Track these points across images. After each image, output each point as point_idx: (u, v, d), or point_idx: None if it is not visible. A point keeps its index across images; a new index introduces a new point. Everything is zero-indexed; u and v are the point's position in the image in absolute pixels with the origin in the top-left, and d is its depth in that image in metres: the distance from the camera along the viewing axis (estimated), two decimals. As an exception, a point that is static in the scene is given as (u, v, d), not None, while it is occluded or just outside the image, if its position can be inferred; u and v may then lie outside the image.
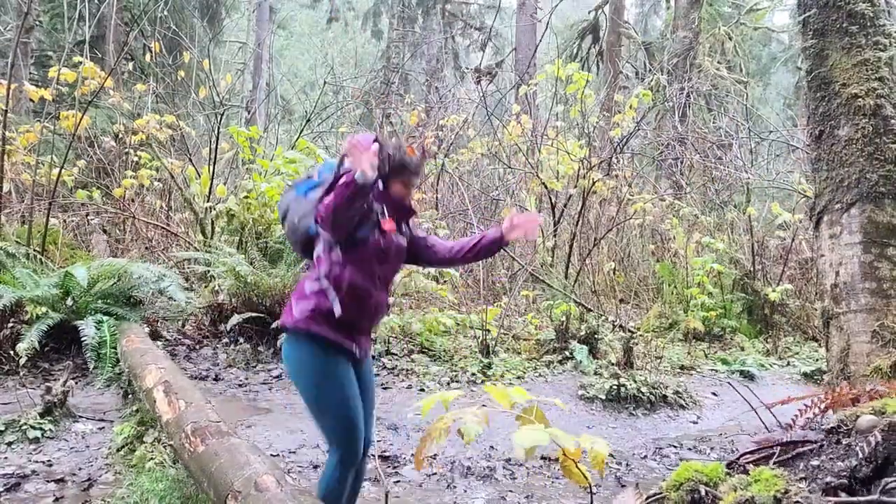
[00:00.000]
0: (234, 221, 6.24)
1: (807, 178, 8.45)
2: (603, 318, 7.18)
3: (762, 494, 0.78)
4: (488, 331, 6.00)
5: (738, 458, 0.95)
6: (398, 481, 3.59)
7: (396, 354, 5.86)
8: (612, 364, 5.80)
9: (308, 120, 8.75)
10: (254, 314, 5.59)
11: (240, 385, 5.05)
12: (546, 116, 9.77)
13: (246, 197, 6.14)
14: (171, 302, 5.85)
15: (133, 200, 8.16)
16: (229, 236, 6.46)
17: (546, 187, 8.38)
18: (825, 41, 4.16)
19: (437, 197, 9.06)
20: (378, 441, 4.12)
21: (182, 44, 11.57)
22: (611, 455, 4.24)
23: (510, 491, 3.55)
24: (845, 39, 4.07)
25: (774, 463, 0.87)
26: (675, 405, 5.29)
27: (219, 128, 7.62)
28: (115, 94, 8.48)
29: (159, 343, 5.48)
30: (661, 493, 0.89)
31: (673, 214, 9.33)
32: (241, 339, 5.73)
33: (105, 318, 5.11)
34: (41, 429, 3.75)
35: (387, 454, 3.93)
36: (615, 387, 5.20)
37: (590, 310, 7.31)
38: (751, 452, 0.93)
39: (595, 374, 5.69)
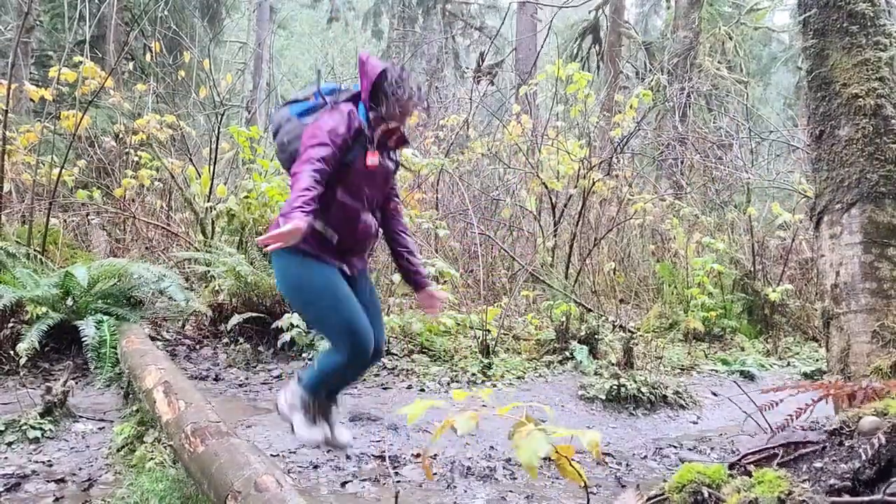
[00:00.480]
0: (235, 221, 6.24)
1: (807, 178, 8.45)
2: (603, 318, 7.18)
3: (766, 496, 0.77)
4: (488, 331, 6.00)
5: (739, 459, 0.95)
6: (398, 481, 3.59)
7: (396, 354, 5.86)
8: (612, 364, 5.80)
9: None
10: (254, 314, 5.59)
11: (240, 385, 5.05)
12: (546, 116, 9.77)
13: (246, 197, 6.14)
14: (171, 302, 5.85)
15: (133, 200, 8.16)
16: (229, 236, 6.46)
17: (546, 187, 8.38)
18: (825, 41, 4.15)
19: (437, 197, 9.06)
20: (378, 441, 4.12)
21: (182, 44, 11.56)
22: (611, 455, 4.24)
23: (510, 491, 3.55)
24: (846, 39, 4.07)
25: (777, 464, 0.87)
26: (675, 405, 5.28)
27: (219, 128, 7.62)
28: (116, 94, 8.47)
29: (159, 343, 5.48)
30: (662, 494, 0.89)
31: (673, 214, 9.33)
32: (241, 339, 5.73)
33: (105, 318, 5.11)
34: (41, 429, 3.74)
35: (387, 454, 3.93)
36: (615, 387, 5.20)
37: (590, 310, 7.31)
38: (753, 453, 0.93)
39: (595, 374, 5.69)
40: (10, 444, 3.60)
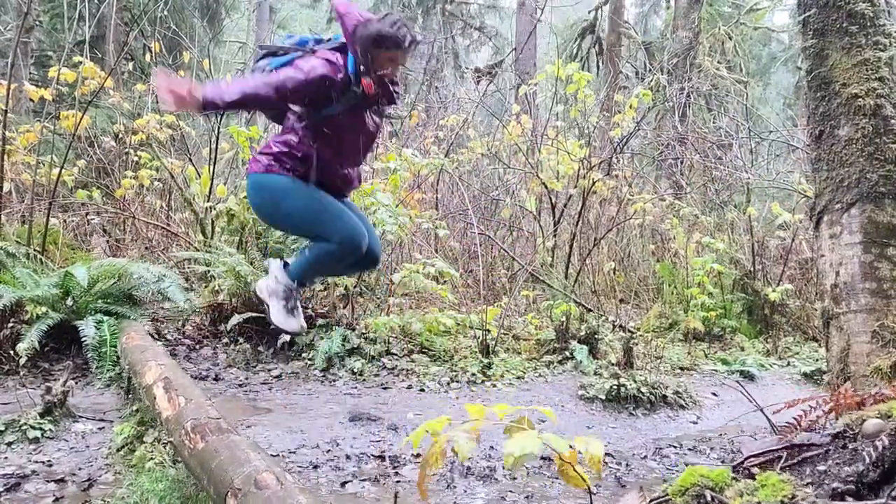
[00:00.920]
0: (234, 221, 6.24)
1: (807, 178, 8.45)
2: (603, 318, 7.18)
3: (769, 499, 0.77)
4: (488, 331, 6.00)
5: (742, 462, 0.95)
6: (398, 481, 3.59)
7: (396, 354, 5.86)
8: (612, 364, 5.80)
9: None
10: (254, 314, 5.59)
11: (240, 385, 5.05)
12: (546, 116, 9.77)
13: (246, 197, 6.14)
14: (171, 302, 5.85)
15: (133, 200, 8.15)
16: (229, 236, 6.45)
17: (546, 187, 8.37)
18: (825, 41, 4.15)
19: (437, 197, 9.06)
20: (378, 441, 4.12)
21: (182, 44, 11.56)
22: (611, 455, 4.24)
23: (510, 491, 3.55)
24: (845, 39, 4.07)
25: (781, 467, 0.86)
26: (675, 405, 5.29)
27: (219, 128, 7.62)
28: (115, 94, 8.47)
29: (159, 343, 5.47)
30: (665, 496, 0.89)
31: (673, 214, 9.33)
32: (241, 339, 5.73)
33: (105, 317, 5.11)
34: (41, 429, 3.74)
35: (387, 454, 3.93)
36: (615, 387, 5.20)
37: (590, 310, 7.31)
38: (756, 455, 0.93)
39: (595, 374, 5.69)
40: (9, 444, 3.60)
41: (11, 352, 4.67)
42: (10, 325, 4.80)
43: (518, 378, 5.65)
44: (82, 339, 4.80)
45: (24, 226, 6.51)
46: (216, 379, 5.14)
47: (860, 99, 3.95)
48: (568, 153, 8.27)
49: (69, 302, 5.24)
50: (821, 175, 4.13)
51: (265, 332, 5.70)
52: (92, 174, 8.63)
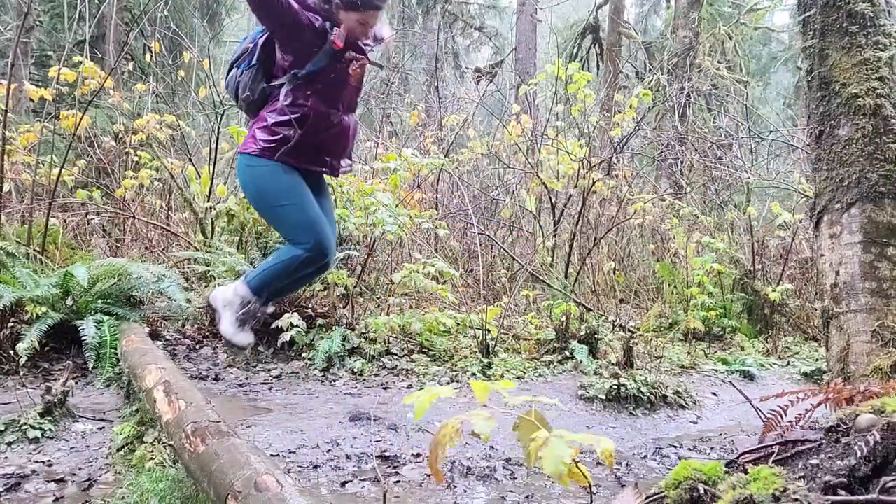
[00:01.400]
0: (234, 221, 6.24)
1: (807, 177, 8.45)
2: (603, 317, 7.18)
3: (761, 493, 0.78)
4: (488, 331, 6.00)
5: (737, 458, 0.95)
6: (398, 481, 3.59)
7: (396, 354, 5.86)
8: (612, 364, 5.80)
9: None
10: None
11: (240, 385, 5.05)
12: (546, 116, 9.77)
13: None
14: (171, 302, 5.85)
15: (133, 200, 8.16)
16: (229, 236, 6.46)
17: (546, 187, 8.38)
18: (825, 41, 4.15)
19: (437, 197, 9.06)
20: (378, 441, 4.12)
21: (182, 44, 11.56)
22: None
23: (510, 491, 3.55)
24: (845, 39, 4.07)
25: (773, 462, 0.87)
26: (675, 405, 5.29)
27: (219, 127, 7.63)
28: (116, 94, 8.48)
29: (159, 343, 5.48)
30: (660, 492, 0.89)
31: (673, 214, 9.33)
32: (241, 339, 5.72)
33: (105, 317, 5.11)
34: (41, 429, 3.75)
35: (387, 454, 3.93)
36: (615, 387, 5.20)
37: (590, 310, 7.31)
38: (750, 451, 0.93)
39: (595, 373, 5.69)
40: (9, 444, 3.60)
41: (11, 352, 4.67)
42: (10, 325, 4.81)
43: (518, 378, 5.65)
44: (82, 339, 4.80)
45: (24, 226, 6.51)
46: (216, 379, 5.14)
47: (860, 99, 3.94)
48: (568, 153, 8.28)
49: (69, 302, 5.25)
50: (821, 175, 4.13)
51: (265, 331, 5.70)
52: (92, 174, 8.64)
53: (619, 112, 8.81)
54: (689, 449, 4.48)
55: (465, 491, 3.53)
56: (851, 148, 3.96)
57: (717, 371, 6.46)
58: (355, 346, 5.67)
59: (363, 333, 5.84)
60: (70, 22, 10.10)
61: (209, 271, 6.01)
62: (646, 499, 0.92)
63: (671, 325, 7.81)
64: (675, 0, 14.04)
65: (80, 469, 3.43)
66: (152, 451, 3.36)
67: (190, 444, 2.82)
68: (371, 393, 5.08)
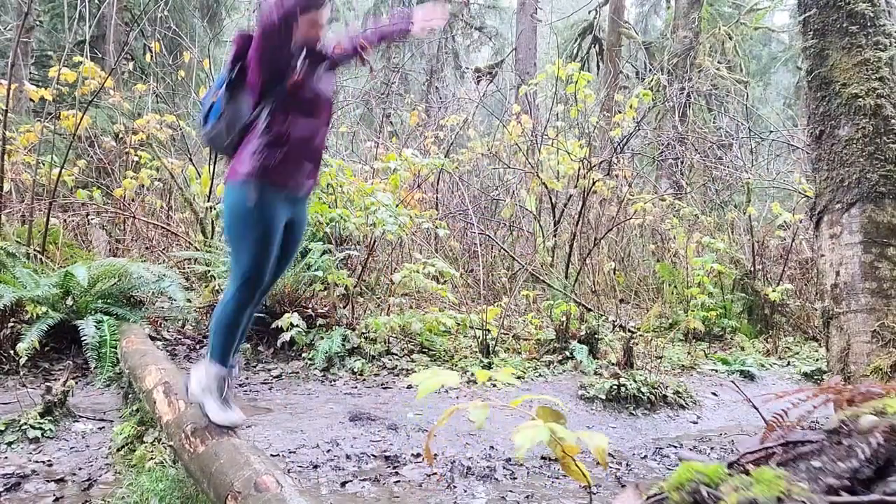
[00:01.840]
0: (234, 221, 6.23)
1: (807, 178, 8.45)
2: (603, 318, 7.18)
3: (764, 495, 0.78)
4: (488, 331, 6.00)
5: (738, 459, 0.95)
6: (398, 481, 3.59)
7: (396, 354, 5.86)
8: (613, 364, 5.80)
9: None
10: (255, 315, 5.59)
11: (240, 385, 5.05)
12: (546, 116, 9.77)
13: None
14: (171, 302, 5.85)
15: (133, 200, 8.16)
16: (229, 236, 6.45)
17: (546, 187, 8.38)
18: (825, 41, 4.15)
19: (437, 197, 9.07)
20: (378, 441, 4.12)
21: (182, 44, 11.57)
22: (611, 455, 4.24)
23: (510, 491, 3.55)
24: (845, 39, 4.07)
25: (776, 463, 0.87)
26: (675, 405, 5.29)
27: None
28: (116, 94, 8.47)
29: (159, 343, 5.48)
30: (662, 493, 0.89)
31: (673, 214, 9.34)
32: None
33: (105, 317, 5.11)
34: (41, 429, 3.75)
35: (387, 454, 3.93)
36: (615, 387, 5.20)
37: (590, 310, 7.31)
38: (751, 452, 0.93)
39: (595, 374, 5.69)
40: (10, 443, 3.60)
41: (11, 352, 4.67)
42: (10, 325, 4.81)
43: (518, 378, 5.65)
44: (82, 339, 4.80)
45: (24, 226, 6.51)
46: (216, 379, 5.13)
47: (860, 99, 3.94)
48: (568, 153, 8.28)
49: (69, 302, 5.25)
50: (821, 175, 4.13)
51: (265, 331, 5.70)
52: (92, 174, 8.64)
53: (619, 112, 8.81)
54: (690, 449, 4.48)
55: (465, 491, 3.52)
56: (852, 148, 3.96)
57: (717, 371, 6.46)
58: (355, 346, 5.67)
59: (363, 333, 5.84)
60: (70, 22, 10.10)
61: (209, 271, 6.01)
62: (647, 499, 0.92)
63: (671, 326, 7.81)
64: (675, 0, 14.05)
65: (80, 469, 3.43)
66: (152, 451, 3.36)
67: (190, 444, 2.82)
68: (371, 393, 5.08)
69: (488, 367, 5.68)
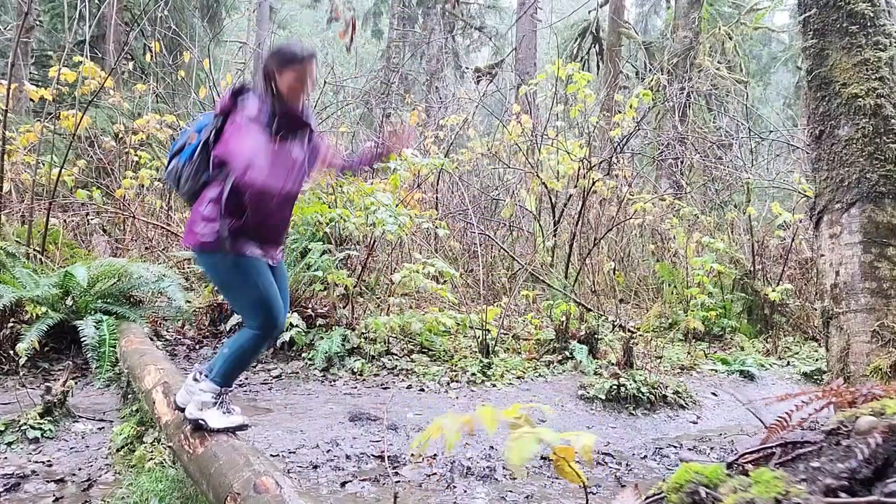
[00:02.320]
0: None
1: (807, 178, 8.45)
2: (603, 318, 7.18)
3: (763, 496, 0.78)
4: (488, 331, 6.00)
5: (737, 459, 0.95)
6: (398, 481, 3.59)
7: (396, 354, 5.86)
8: (612, 364, 5.80)
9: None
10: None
11: (240, 385, 5.05)
12: (546, 116, 9.77)
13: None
14: (171, 302, 5.85)
15: (133, 200, 8.16)
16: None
17: (546, 187, 8.38)
18: (825, 41, 4.15)
19: (437, 197, 9.06)
20: (378, 441, 4.12)
21: (182, 44, 11.57)
22: (611, 455, 4.24)
23: (510, 491, 3.55)
24: (845, 39, 4.06)
25: (775, 464, 0.87)
26: (675, 405, 5.28)
27: (219, 128, 7.60)
28: (116, 94, 8.48)
29: (159, 343, 5.48)
30: (660, 493, 0.89)
31: (673, 214, 9.33)
32: (241, 339, 5.72)
33: (105, 317, 5.11)
34: (41, 429, 3.75)
35: (387, 454, 3.93)
36: (615, 387, 5.20)
37: (590, 310, 7.31)
38: (750, 453, 0.93)
39: (595, 374, 5.69)
40: (9, 444, 3.60)
41: (11, 352, 4.67)
42: (10, 325, 4.81)
43: (518, 378, 5.65)
44: (82, 339, 4.80)
45: (24, 226, 6.51)
46: (216, 379, 5.13)
47: (860, 99, 3.94)
48: (568, 153, 8.28)
49: (69, 302, 5.25)
50: (821, 175, 4.13)
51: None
52: (92, 174, 8.64)
53: (619, 112, 8.81)
54: (690, 449, 4.48)
55: (465, 491, 3.52)
56: (851, 148, 3.96)
57: (716, 371, 6.46)
58: (355, 346, 5.67)
59: (363, 333, 5.84)
60: (70, 22, 10.10)
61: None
62: (646, 499, 0.92)
63: (671, 325, 7.81)
64: (675, 0, 14.04)
65: (80, 469, 3.43)
66: (152, 451, 3.36)
67: (189, 445, 2.82)
68: (371, 393, 5.08)
69: (488, 367, 5.68)
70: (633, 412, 5.11)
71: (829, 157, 4.07)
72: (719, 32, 13.18)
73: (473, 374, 5.54)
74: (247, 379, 5.19)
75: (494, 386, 5.41)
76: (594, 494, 3.58)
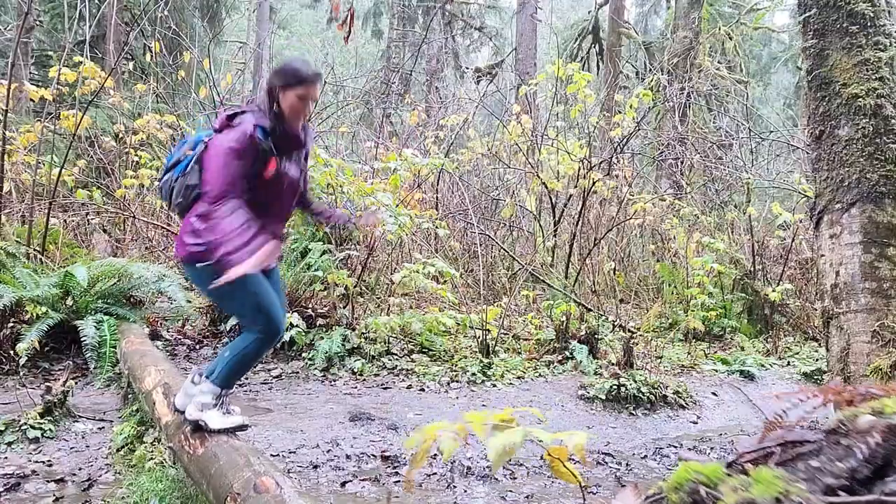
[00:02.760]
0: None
1: (807, 178, 8.45)
2: (603, 318, 7.18)
3: (763, 496, 0.78)
4: (488, 331, 6.00)
5: (737, 459, 0.96)
6: (398, 481, 3.59)
7: (396, 354, 5.86)
8: (612, 364, 5.80)
9: (308, 120, 8.74)
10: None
11: (239, 385, 5.05)
12: (546, 116, 9.77)
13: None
14: (171, 302, 5.85)
15: (133, 200, 8.16)
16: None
17: (546, 187, 8.38)
18: (825, 41, 4.15)
19: (437, 197, 9.07)
20: (378, 441, 4.12)
21: (182, 44, 11.57)
22: (611, 455, 4.24)
23: (510, 491, 3.55)
24: (845, 39, 4.07)
25: (774, 463, 0.87)
26: (675, 405, 5.29)
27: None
28: (116, 94, 8.48)
29: (159, 343, 5.48)
30: (660, 493, 0.89)
31: (673, 214, 9.34)
32: (241, 339, 5.72)
33: (105, 317, 5.11)
34: (41, 429, 3.75)
35: (387, 454, 3.93)
36: (615, 387, 5.20)
37: (590, 310, 7.31)
38: (750, 452, 0.93)
39: (595, 374, 5.69)
40: (10, 444, 3.60)
41: (11, 352, 4.67)
42: (10, 325, 4.81)
43: (518, 378, 5.65)
44: (82, 339, 4.80)
45: (24, 226, 6.51)
46: (216, 379, 5.13)
47: (860, 99, 3.94)
48: (568, 153, 8.28)
49: (69, 302, 5.25)
50: (821, 175, 4.13)
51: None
52: (92, 174, 8.64)
53: (620, 112, 8.81)
54: (690, 449, 4.48)
55: (465, 491, 3.53)
56: (852, 148, 3.96)
57: (717, 371, 6.46)
58: (355, 346, 5.67)
59: (363, 333, 5.84)
60: (70, 22, 10.11)
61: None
62: (645, 499, 0.92)
63: (671, 326, 7.81)
64: (675, 0, 14.04)
65: (80, 469, 3.43)
66: (152, 451, 3.36)
67: (189, 446, 2.82)
68: (371, 393, 5.08)
69: (488, 367, 5.68)
70: (634, 412, 5.11)
71: (829, 157, 4.08)
72: (719, 32, 13.18)
73: (474, 374, 5.54)
74: (247, 379, 5.19)
75: (495, 386, 5.41)
76: (594, 494, 3.59)
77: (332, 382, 5.26)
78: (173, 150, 3.01)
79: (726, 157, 11.29)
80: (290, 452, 3.86)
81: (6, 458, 3.47)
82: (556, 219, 8.59)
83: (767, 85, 19.37)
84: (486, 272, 8.31)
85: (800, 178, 9.17)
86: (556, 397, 5.29)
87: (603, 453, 4.25)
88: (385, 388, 5.20)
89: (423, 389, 5.23)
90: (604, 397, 5.18)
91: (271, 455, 3.71)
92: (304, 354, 5.59)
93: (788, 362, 6.99)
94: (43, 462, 3.47)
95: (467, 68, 18.25)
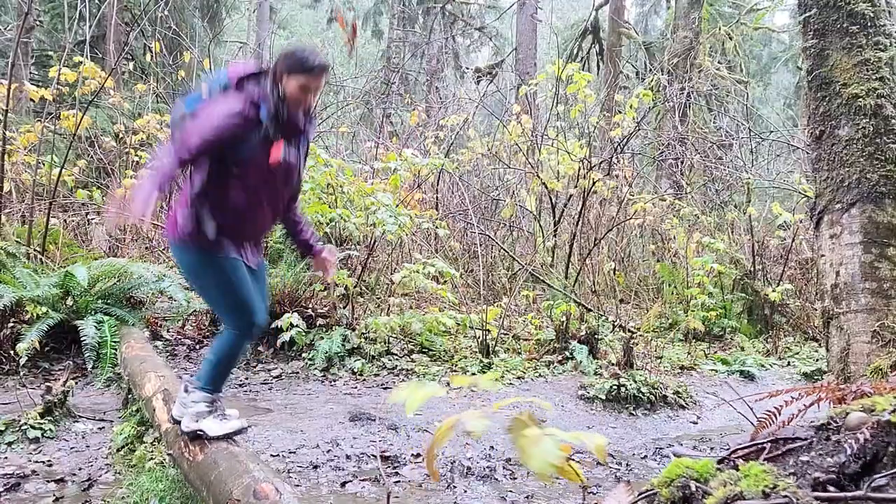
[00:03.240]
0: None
1: (807, 178, 8.45)
2: (603, 318, 7.18)
3: (751, 489, 0.78)
4: (488, 331, 6.00)
5: (729, 455, 0.96)
6: (398, 481, 3.59)
7: (396, 354, 5.86)
8: (612, 364, 5.80)
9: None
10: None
11: (240, 385, 5.06)
12: (546, 116, 9.78)
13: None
14: (171, 302, 5.86)
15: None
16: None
17: (546, 187, 8.38)
18: (825, 41, 4.15)
19: (437, 197, 9.07)
20: (378, 441, 4.12)
21: (182, 44, 11.58)
22: (611, 455, 4.24)
23: (510, 491, 3.56)
24: (846, 39, 4.06)
25: (765, 459, 0.88)
26: (675, 405, 5.28)
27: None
28: (116, 94, 8.49)
29: (159, 343, 5.49)
30: (652, 489, 0.90)
31: (673, 214, 9.34)
32: (241, 339, 5.72)
33: (105, 318, 5.12)
34: (41, 429, 3.75)
35: (387, 454, 3.93)
36: (615, 387, 5.20)
37: (590, 310, 7.31)
38: (741, 448, 0.94)
39: (595, 374, 5.69)
40: (10, 444, 3.61)
41: (11, 352, 4.67)
42: (11, 325, 4.81)
43: (518, 378, 5.65)
44: (82, 340, 4.80)
45: (24, 226, 6.52)
46: (216, 379, 5.14)
47: (861, 99, 3.94)
48: (568, 153, 8.28)
49: (69, 302, 5.25)
50: (821, 175, 4.13)
51: (265, 332, 5.70)
52: (92, 174, 8.65)
53: (620, 112, 8.81)
54: (690, 449, 4.48)
55: (465, 491, 3.53)
56: (852, 148, 3.96)
57: (717, 371, 6.46)
58: (355, 346, 5.67)
59: (363, 333, 5.84)
60: (70, 22, 10.12)
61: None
62: (638, 495, 0.92)
63: (671, 326, 7.81)
64: (675, 0, 14.04)
65: (80, 469, 3.43)
66: (152, 452, 3.37)
67: (189, 452, 2.81)
68: (371, 393, 5.09)
69: (488, 367, 5.69)
70: (634, 412, 5.11)
71: (829, 157, 4.07)
72: (719, 32, 13.18)
73: (474, 375, 5.53)
74: (247, 379, 5.20)
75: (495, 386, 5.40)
76: (594, 494, 3.59)
77: (332, 382, 5.27)
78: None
79: (726, 157, 11.30)
80: (291, 452, 3.86)
81: (6, 458, 3.48)
82: (556, 219, 8.60)
83: (767, 85, 19.37)
84: (486, 272, 8.31)
85: (800, 178, 9.17)
86: (556, 397, 5.29)
87: (602, 453, 4.25)
88: (385, 388, 5.20)
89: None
90: (604, 397, 5.18)
91: (271, 455, 3.71)
92: (304, 354, 5.59)
93: (788, 362, 6.99)
94: (43, 462, 3.47)
95: (467, 68, 18.25)
